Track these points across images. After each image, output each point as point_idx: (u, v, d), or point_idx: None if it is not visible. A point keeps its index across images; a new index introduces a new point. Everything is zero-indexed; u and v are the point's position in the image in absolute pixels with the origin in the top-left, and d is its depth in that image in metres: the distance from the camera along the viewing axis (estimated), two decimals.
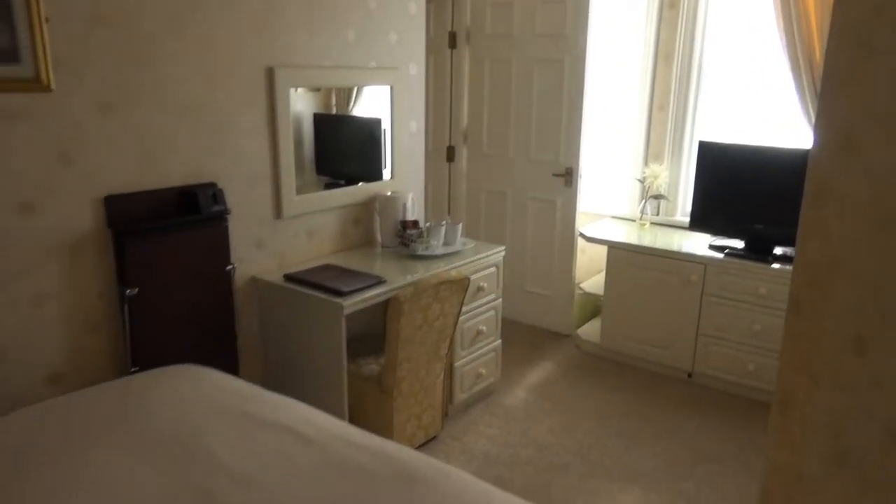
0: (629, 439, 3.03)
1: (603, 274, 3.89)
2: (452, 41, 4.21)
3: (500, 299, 3.31)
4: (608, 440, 3.02)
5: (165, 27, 2.30)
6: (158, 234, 2.32)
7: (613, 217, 4.21)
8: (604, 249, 3.82)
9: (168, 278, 2.37)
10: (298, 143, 2.89)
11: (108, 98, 2.19)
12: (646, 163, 4.07)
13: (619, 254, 3.70)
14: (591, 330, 4.08)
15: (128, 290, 2.25)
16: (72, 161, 2.13)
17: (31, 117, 2.02)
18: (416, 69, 3.37)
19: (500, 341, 3.38)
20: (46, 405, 1.88)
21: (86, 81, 2.12)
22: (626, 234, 3.80)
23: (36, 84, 2.00)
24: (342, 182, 3.15)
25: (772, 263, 3.23)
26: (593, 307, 4.31)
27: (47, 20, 1.99)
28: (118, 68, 2.20)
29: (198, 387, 2.00)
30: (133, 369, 2.27)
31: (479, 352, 3.24)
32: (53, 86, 2.03)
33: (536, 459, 2.86)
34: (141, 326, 2.31)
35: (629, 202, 4.21)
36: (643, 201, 4.01)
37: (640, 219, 3.99)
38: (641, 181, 4.03)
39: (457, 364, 3.09)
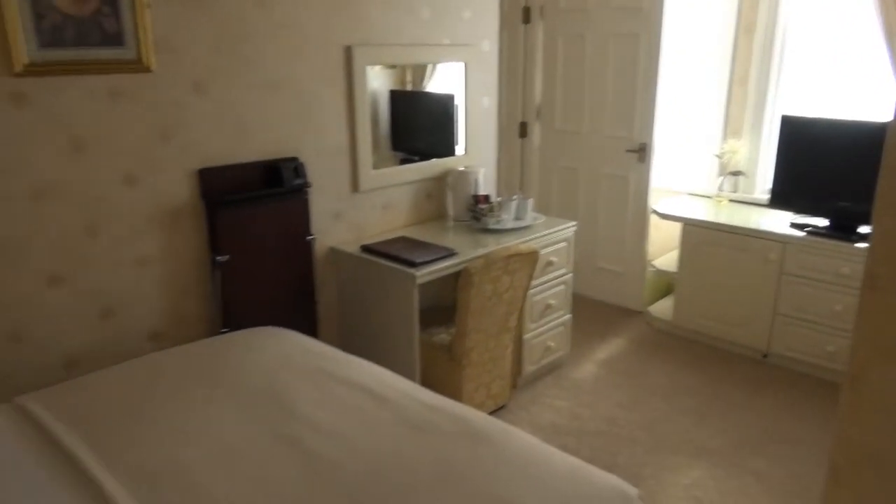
0: (699, 416, 3.02)
1: (676, 251, 3.84)
2: (526, 16, 4.20)
3: (571, 274, 3.34)
4: (677, 416, 3.02)
5: (253, 9, 2.44)
6: (246, 205, 2.49)
7: (689, 194, 4.13)
8: (677, 226, 3.77)
9: (255, 247, 2.54)
10: (375, 120, 2.99)
11: (202, 78, 2.35)
12: (724, 138, 3.96)
13: (694, 231, 3.64)
14: (663, 307, 4.05)
15: (219, 257, 2.43)
16: (170, 137, 2.31)
17: (135, 97, 2.20)
18: (489, 45, 3.41)
19: (570, 316, 3.41)
20: (149, 358, 2.08)
21: (182, 62, 2.29)
22: (701, 211, 3.73)
23: (138, 65, 2.18)
24: (416, 157, 3.24)
25: (856, 242, 3.10)
26: (666, 285, 4.25)
27: (149, 6, 2.16)
28: (211, 49, 2.35)
29: (282, 347, 2.16)
30: (223, 330, 2.46)
31: (549, 325, 3.28)
32: (154, 67, 2.21)
33: (604, 432, 2.90)
34: (230, 291, 2.49)
35: (705, 178, 4.11)
36: (721, 178, 3.91)
37: (717, 195, 3.90)
38: (719, 157, 3.93)
39: (526, 336, 3.15)
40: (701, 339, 3.77)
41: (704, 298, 3.67)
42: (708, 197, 4.00)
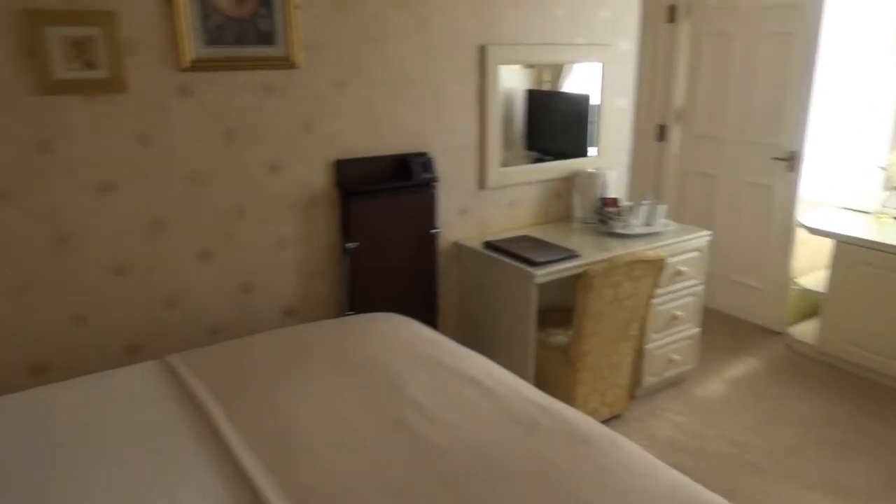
0: (838, 450, 2.76)
1: (825, 270, 3.53)
2: (671, 15, 4.04)
3: (702, 286, 3.17)
4: (812, 447, 2.78)
5: (393, 9, 2.55)
6: (376, 196, 2.62)
7: (843, 208, 3.78)
8: (826, 242, 3.46)
9: (382, 236, 2.66)
10: (509, 118, 3.02)
11: (343, 75, 2.50)
12: (892, 149, 3.58)
13: (849, 249, 3.32)
14: (806, 329, 3.73)
15: (349, 244, 2.58)
16: (312, 129, 2.48)
17: (282, 91, 2.39)
18: (627, 45, 3.32)
19: (698, 329, 3.24)
20: (282, 332, 2.25)
21: (326, 60, 2.45)
22: (858, 228, 3.40)
23: (286, 62, 2.36)
24: (550, 157, 3.23)
25: None
26: (811, 305, 3.91)
27: (298, 7, 2.33)
28: (352, 48, 2.50)
29: (401, 333, 2.25)
30: (348, 312, 2.61)
31: (674, 337, 3.14)
32: (300, 64, 2.38)
33: (725, 454, 2.73)
34: (358, 276, 2.63)
35: (865, 192, 3.74)
36: (886, 192, 3.53)
37: (879, 212, 3.53)
38: (885, 169, 3.56)
39: (648, 346, 3.04)
40: (848, 368, 3.44)
41: (856, 324, 3.34)
42: (866, 212, 3.63)
